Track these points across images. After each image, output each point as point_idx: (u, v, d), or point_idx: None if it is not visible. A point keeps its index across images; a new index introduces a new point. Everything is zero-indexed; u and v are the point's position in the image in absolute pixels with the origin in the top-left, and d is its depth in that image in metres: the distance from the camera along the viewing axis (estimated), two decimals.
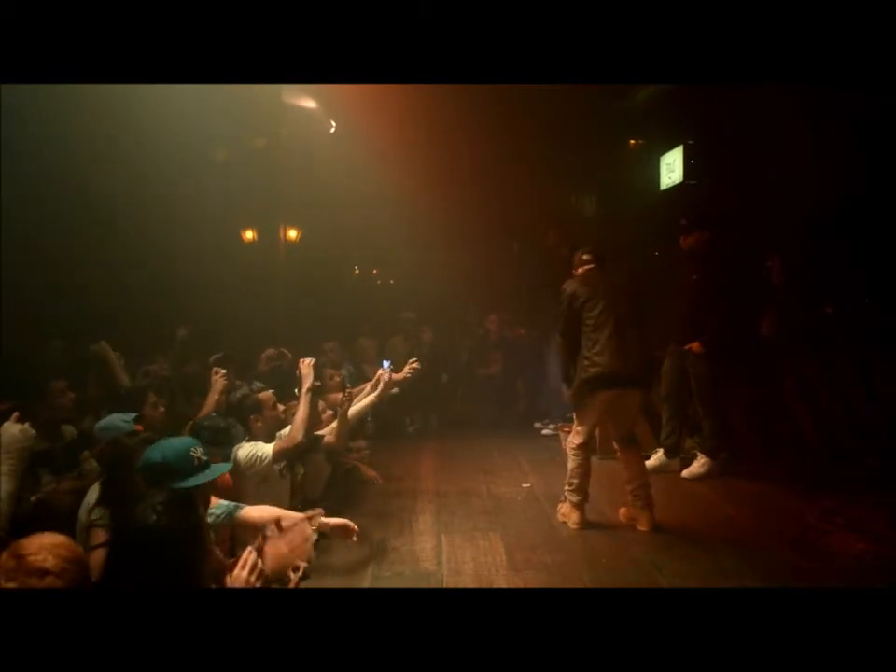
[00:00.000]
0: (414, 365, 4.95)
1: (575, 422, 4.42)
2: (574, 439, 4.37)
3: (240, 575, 2.08)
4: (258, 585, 2.09)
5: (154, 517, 1.88)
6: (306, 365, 3.77)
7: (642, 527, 4.16)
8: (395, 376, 4.85)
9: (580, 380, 4.24)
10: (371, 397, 4.72)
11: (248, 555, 2.13)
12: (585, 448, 4.35)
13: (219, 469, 2.62)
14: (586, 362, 4.18)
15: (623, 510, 4.40)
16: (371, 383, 4.87)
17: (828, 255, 5.39)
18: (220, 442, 3.42)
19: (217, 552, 2.31)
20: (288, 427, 4.07)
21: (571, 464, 4.36)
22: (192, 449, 2.55)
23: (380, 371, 4.83)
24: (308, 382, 3.72)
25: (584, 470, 4.33)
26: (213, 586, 2.10)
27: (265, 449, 3.58)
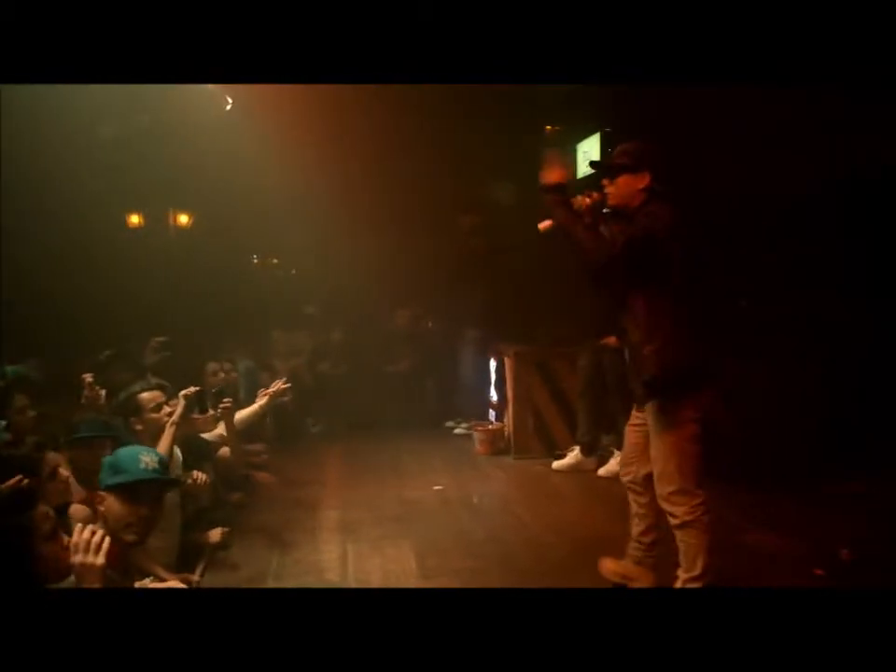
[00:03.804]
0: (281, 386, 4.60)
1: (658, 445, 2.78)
2: (663, 484, 2.76)
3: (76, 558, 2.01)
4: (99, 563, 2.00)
5: None
6: (182, 394, 3.55)
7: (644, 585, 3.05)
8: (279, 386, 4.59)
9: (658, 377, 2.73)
10: (255, 407, 4.52)
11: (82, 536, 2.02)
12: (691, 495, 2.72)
13: None
14: (666, 349, 2.70)
15: (610, 564, 3.14)
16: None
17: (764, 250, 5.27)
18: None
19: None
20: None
21: (682, 537, 2.76)
22: None
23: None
24: (176, 414, 3.46)
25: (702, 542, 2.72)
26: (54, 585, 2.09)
27: None
